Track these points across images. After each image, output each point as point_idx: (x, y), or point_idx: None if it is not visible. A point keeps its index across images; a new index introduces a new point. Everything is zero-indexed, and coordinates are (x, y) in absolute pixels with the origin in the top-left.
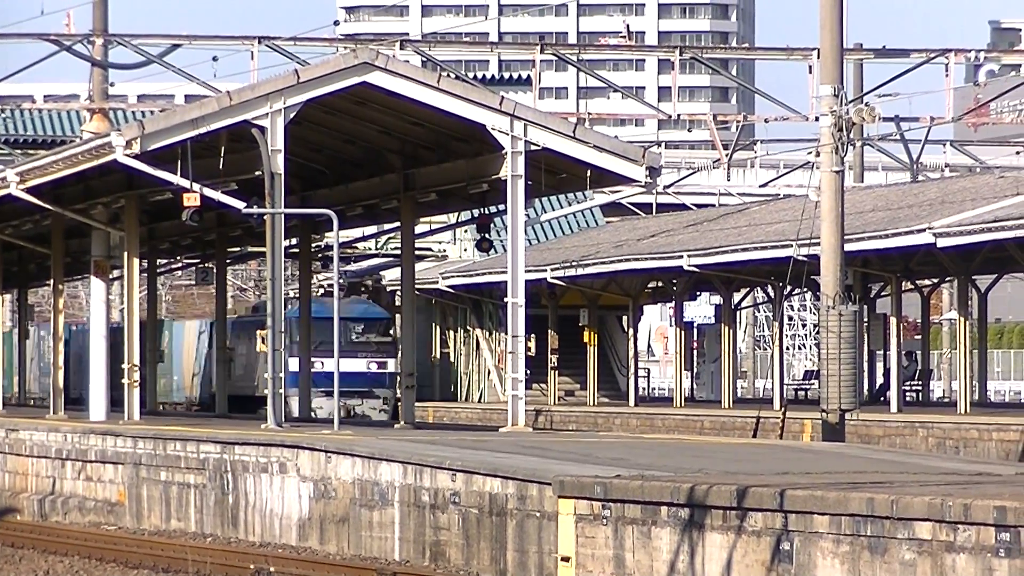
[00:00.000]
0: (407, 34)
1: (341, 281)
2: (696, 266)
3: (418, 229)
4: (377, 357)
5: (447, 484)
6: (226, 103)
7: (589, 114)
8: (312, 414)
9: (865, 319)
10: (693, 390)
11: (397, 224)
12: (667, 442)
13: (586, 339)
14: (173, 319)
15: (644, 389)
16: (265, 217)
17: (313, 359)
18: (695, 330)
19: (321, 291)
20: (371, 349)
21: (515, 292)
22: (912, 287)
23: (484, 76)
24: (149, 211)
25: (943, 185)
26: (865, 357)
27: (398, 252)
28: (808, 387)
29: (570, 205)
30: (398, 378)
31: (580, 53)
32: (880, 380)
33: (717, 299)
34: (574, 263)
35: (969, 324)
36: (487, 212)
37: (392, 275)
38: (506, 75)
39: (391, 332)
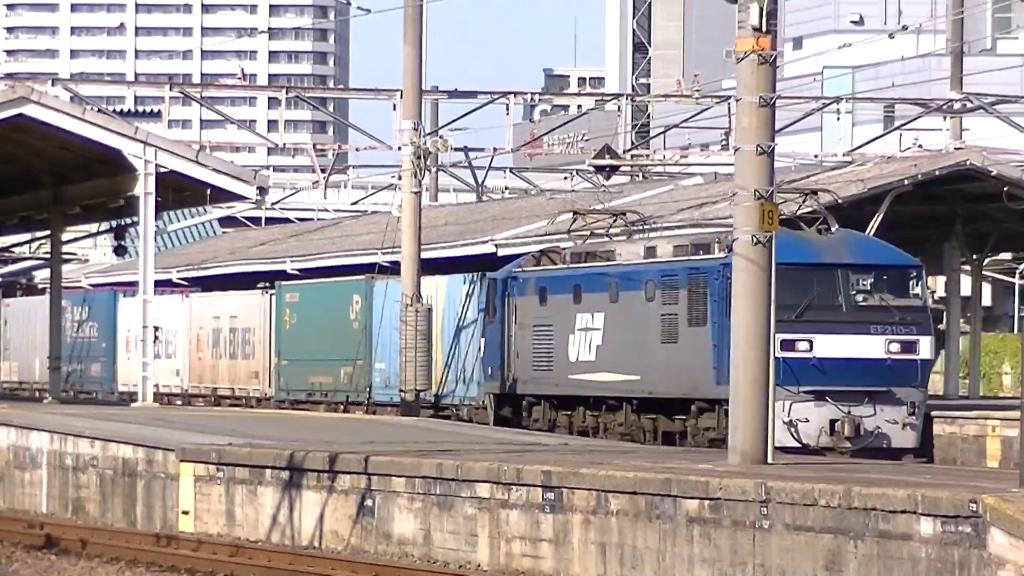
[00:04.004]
0: (57, 74)
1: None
2: (298, 269)
3: (65, 236)
4: (901, 334)
5: (87, 450)
6: None
7: (209, 142)
8: (794, 433)
9: None
10: None
11: (48, 232)
12: (273, 416)
13: None
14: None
15: None
16: None
17: (787, 337)
18: None
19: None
20: (891, 320)
21: (145, 290)
22: None
23: (122, 110)
24: None
25: (504, 204)
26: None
27: (48, 256)
28: None
29: (193, 217)
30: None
31: (203, 91)
32: None
33: None
34: (195, 266)
35: None
36: (124, 223)
37: (43, 275)
38: (140, 109)
39: (920, 291)
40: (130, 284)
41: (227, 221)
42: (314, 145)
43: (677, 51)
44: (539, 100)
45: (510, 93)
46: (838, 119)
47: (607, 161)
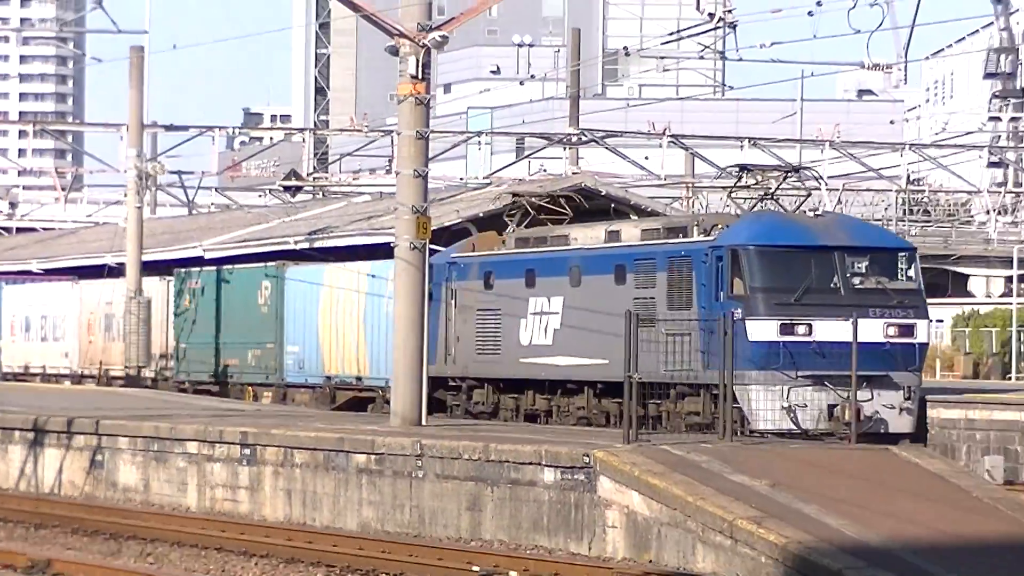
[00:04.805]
0: None
1: None
2: (42, 269)
3: None
4: (899, 317)
5: None
6: None
7: None
8: (793, 418)
9: None
10: None
11: None
12: (27, 388)
13: None
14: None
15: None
16: None
17: (787, 320)
18: None
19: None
20: (889, 304)
21: None
22: None
23: None
24: None
25: (209, 217)
26: None
27: None
28: None
29: None
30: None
31: None
32: None
33: None
34: None
35: None
36: None
37: None
38: None
39: (914, 274)
40: (17, 273)
41: None
42: (56, 168)
43: (350, 94)
44: (238, 133)
45: (215, 127)
46: (479, 149)
47: (293, 182)
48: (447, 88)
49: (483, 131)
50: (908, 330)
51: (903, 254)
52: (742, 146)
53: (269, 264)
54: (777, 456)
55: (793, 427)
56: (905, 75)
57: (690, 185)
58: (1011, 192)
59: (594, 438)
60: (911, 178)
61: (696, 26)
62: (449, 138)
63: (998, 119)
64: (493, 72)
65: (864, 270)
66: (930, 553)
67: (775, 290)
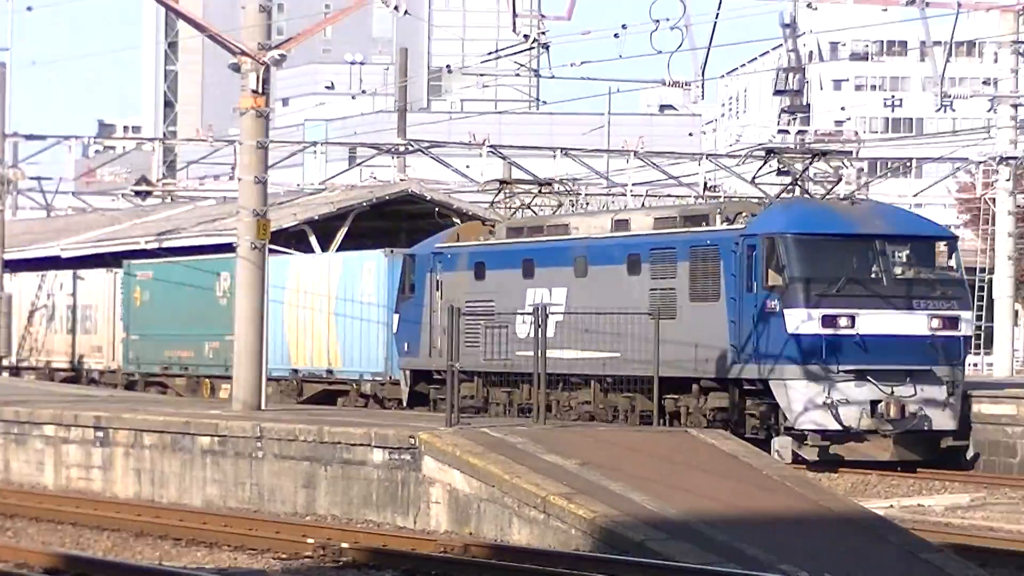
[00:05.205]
0: None
1: None
2: None
3: None
4: (943, 309)
5: None
6: None
7: None
8: (835, 414)
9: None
10: None
11: None
12: None
13: None
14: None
15: None
16: None
17: (829, 312)
18: None
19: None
20: (932, 295)
21: None
22: None
23: None
24: None
25: (67, 220)
26: None
27: None
28: None
29: None
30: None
31: None
32: None
33: None
34: None
35: None
36: None
37: None
38: None
39: (955, 263)
40: None
41: None
42: None
43: (197, 106)
44: (93, 142)
45: (71, 137)
46: (315, 158)
47: (144, 188)
48: (285, 102)
49: (318, 141)
50: (953, 322)
51: (944, 242)
52: (555, 156)
53: (230, 255)
54: (587, 438)
55: (835, 425)
56: (703, 91)
57: (507, 191)
58: (798, 198)
59: (420, 422)
60: (708, 185)
61: (513, 46)
62: (287, 147)
63: (786, 132)
64: (328, 87)
65: (905, 259)
66: (724, 525)
67: (815, 280)
